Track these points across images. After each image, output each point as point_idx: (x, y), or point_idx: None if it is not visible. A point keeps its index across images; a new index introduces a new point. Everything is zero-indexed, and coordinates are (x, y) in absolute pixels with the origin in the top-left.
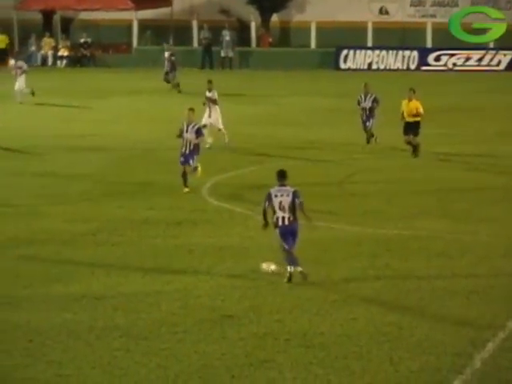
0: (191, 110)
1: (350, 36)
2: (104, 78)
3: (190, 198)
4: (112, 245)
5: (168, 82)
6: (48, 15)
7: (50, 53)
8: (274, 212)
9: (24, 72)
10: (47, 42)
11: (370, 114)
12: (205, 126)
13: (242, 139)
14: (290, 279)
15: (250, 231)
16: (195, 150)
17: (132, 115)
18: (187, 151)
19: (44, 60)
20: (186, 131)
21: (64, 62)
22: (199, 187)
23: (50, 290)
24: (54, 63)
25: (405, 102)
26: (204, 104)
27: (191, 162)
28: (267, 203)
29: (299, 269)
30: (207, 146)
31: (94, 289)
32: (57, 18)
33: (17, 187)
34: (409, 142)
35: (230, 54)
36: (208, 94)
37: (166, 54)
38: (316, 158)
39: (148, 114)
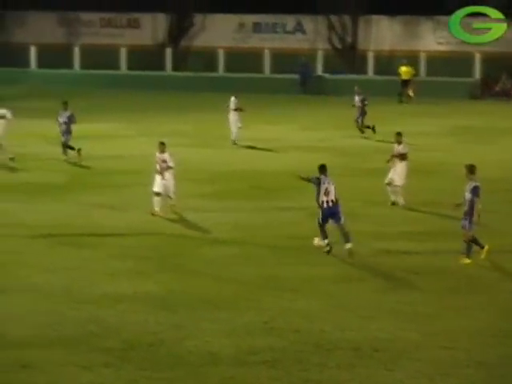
0: (470, 166)
1: None
2: None
3: None
4: None
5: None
6: None
7: None
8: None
9: None
10: None
11: None
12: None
13: None
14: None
15: None
16: (470, 211)
17: None
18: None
19: None
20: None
21: None
22: None
23: None
24: None
25: None
26: (388, 161)
27: (467, 225)
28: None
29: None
30: (398, 203)
31: None
32: None
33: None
34: None
35: None
36: (397, 148)
37: (357, 99)
38: None
39: None
